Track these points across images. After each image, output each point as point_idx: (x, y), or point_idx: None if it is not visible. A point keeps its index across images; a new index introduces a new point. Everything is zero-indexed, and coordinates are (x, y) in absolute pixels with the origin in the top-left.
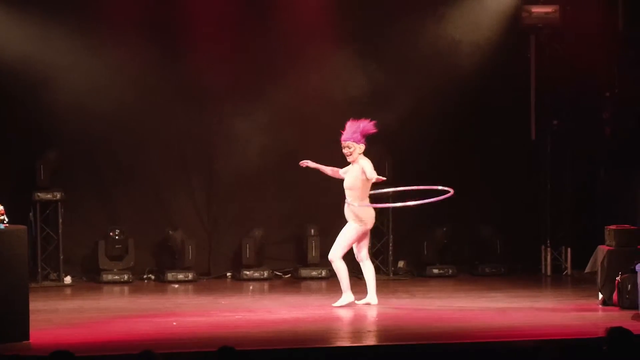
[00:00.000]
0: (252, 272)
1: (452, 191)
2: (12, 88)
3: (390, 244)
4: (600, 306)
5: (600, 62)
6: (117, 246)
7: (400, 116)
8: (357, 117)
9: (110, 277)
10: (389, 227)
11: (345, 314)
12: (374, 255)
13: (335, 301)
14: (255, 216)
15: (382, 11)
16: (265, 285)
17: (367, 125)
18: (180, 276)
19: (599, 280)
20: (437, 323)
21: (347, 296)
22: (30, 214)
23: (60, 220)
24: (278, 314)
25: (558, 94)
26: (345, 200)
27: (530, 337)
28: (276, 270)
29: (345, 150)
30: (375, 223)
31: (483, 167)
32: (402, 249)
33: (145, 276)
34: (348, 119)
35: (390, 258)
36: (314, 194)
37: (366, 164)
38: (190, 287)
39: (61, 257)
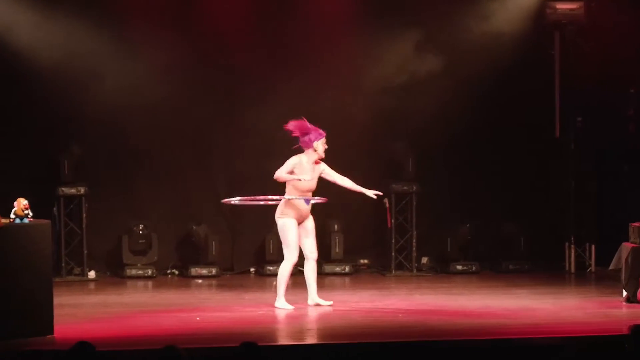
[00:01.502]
0: (275, 267)
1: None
2: (37, 83)
3: (414, 240)
4: (624, 303)
5: (625, 59)
6: (140, 241)
7: (424, 112)
8: (381, 114)
9: (133, 271)
10: (412, 224)
11: (369, 310)
12: (397, 251)
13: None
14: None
15: (405, 9)
16: (289, 281)
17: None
18: (204, 271)
19: (623, 277)
20: (460, 319)
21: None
22: (54, 209)
23: (84, 215)
24: (301, 310)
25: (582, 91)
26: (306, 199)
27: (553, 334)
28: (299, 266)
29: (324, 147)
30: (399, 219)
31: (507, 164)
32: (426, 245)
33: (168, 271)
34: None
35: (414, 254)
36: (337, 189)
37: (325, 168)
38: (213, 282)
39: (85, 252)
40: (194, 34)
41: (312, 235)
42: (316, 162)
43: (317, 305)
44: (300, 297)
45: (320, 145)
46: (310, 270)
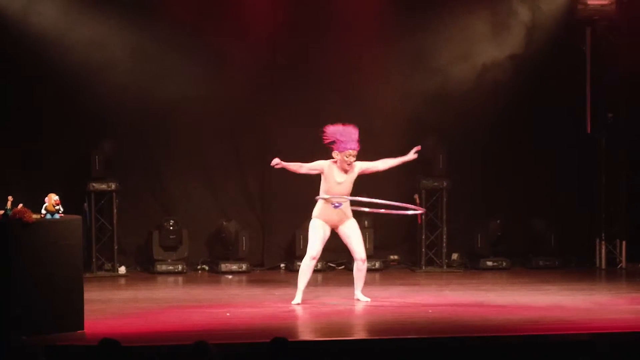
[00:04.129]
0: None
1: (422, 210)
2: (69, 79)
3: (444, 236)
4: None
5: None
6: (171, 237)
7: (455, 109)
8: (413, 109)
9: (164, 267)
10: (442, 220)
11: (399, 306)
12: (427, 247)
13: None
14: (309, 207)
15: (435, 9)
16: (319, 277)
17: (356, 131)
18: (234, 267)
19: None
20: (490, 316)
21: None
22: (85, 204)
23: (115, 211)
24: (331, 306)
25: (613, 87)
26: (341, 204)
27: (584, 330)
28: (330, 262)
29: (352, 159)
30: (429, 215)
31: (538, 160)
32: (456, 241)
33: (199, 267)
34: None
35: (444, 250)
36: (367, 185)
37: (360, 167)
38: (243, 278)
39: (115, 248)
40: (229, 34)
41: (354, 237)
42: (346, 170)
43: (357, 300)
44: (324, 294)
45: (343, 156)
46: (355, 270)
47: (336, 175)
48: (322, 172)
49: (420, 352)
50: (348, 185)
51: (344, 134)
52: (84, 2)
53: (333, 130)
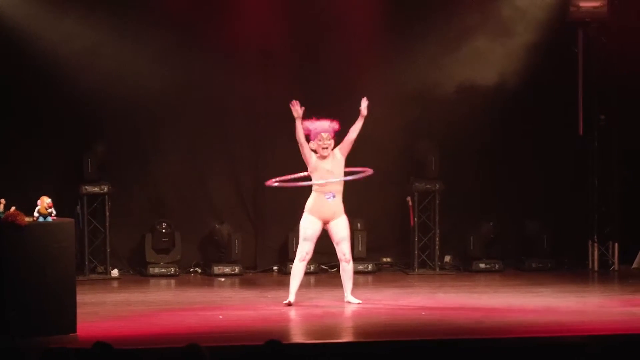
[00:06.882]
0: None
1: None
2: (61, 82)
3: (437, 239)
4: None
5: None
6: (163, 239)
7: (448, 111)
8: (405, 112)
9: (156, 270)
10: (435, 222)
11: (392, 309)
12: (420, 249)
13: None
14: (302, 210)
15: (425, 6)
16: (312, 279)
17: (333, 122)
18: (227, 269)
19: None
20: (483, 318)
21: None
22: (78, 207)
23: (107, 214)
24: (324, 308)
25: (605, 89)
26: (334, 195)
27: (576, 332)
28: (322, 264)
29: (326, 143)
30: (422, 217)
31: (530, 162)
32: (449, 244)
33: (191, 269)
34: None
35: (437, 253)
36: (360, 187)
37: (339, 149)
38: (236, 280)
39: (108, 250)
40: (224, 36)
41: (343, 237)
42: (325, 156)
43: (348, 302)
44: (317, 296)
45: (317, 142)
46: (340, 272)
47: (323, 164)
48: (309, 164)
49: (413, 355)
50: (339, 171)
51: (314, 125)
52: (80, 9)
53: (304, 126)
